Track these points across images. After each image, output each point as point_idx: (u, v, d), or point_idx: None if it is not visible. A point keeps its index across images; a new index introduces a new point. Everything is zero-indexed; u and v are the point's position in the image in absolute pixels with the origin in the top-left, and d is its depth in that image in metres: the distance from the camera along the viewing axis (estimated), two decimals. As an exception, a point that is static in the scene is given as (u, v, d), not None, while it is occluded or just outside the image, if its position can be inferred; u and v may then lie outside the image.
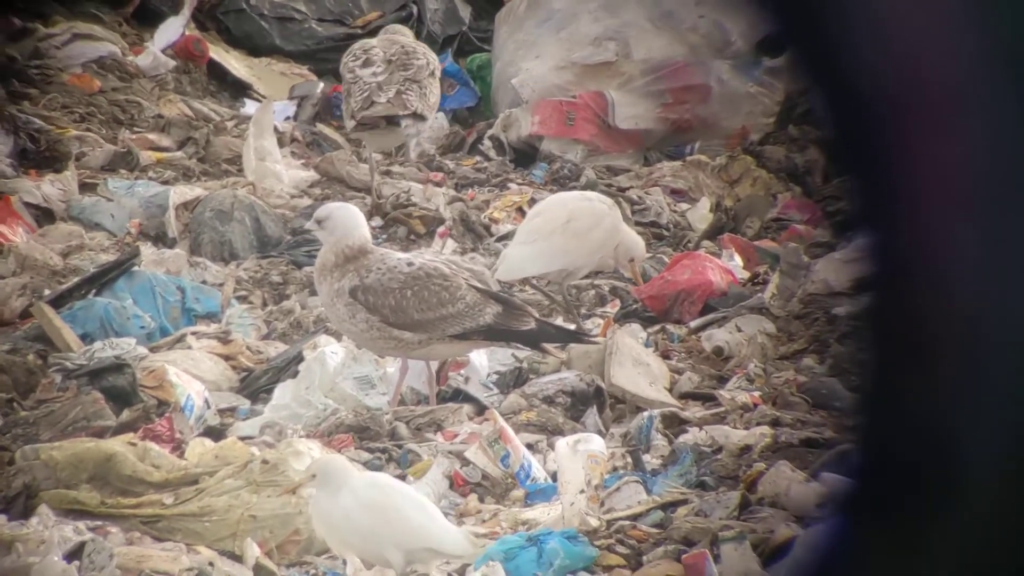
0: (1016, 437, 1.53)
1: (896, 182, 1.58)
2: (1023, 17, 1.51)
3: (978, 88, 1.51)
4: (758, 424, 5.34)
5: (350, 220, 5.60)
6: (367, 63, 7.82)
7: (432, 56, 8.05)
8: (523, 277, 6.58)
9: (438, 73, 7.99)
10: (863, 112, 1.57)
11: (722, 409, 5.58)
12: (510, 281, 6.50)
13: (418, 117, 7.73)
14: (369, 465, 5.09)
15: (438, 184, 8.58)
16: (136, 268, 6.83)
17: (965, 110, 1.52)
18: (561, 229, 6.41)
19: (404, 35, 8.20)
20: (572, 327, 6.45)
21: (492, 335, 5.58)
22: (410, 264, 5.61)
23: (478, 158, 9.07)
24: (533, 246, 6.41)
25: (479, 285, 5.66)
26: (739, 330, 6.36)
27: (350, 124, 7.89)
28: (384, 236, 8.02)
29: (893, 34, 1.54)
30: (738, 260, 7.47)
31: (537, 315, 5.72)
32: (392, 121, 7.73)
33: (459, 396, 5.80)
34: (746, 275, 7.28)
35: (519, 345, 5.76)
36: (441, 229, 7.94)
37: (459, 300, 5.54)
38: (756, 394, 5.71)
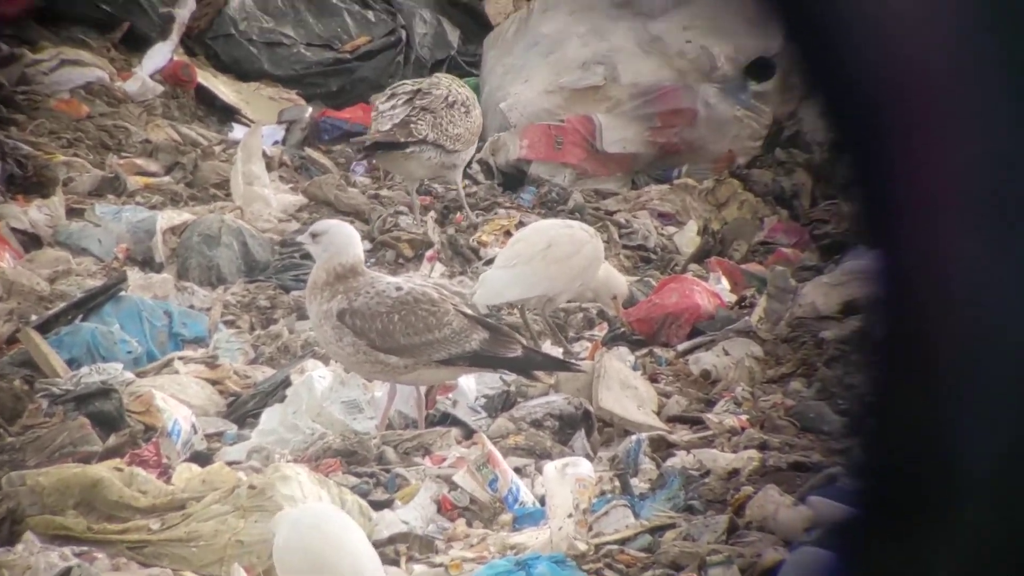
0: (1019, 456, 1.53)
1: (896, 195, 1.57)
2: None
3: (982, 96, 1.51)
4: (746, 448, 5.34)
5: (344, 238, 5.59)
6: (390, 97, 8.18)
7: (459, 90, 8.30)
8: (502, 302, 6.58)
9: (465, 106, 8.19)
10: (862, 121, 1.57)
11: (710, 433, 5.58)
12: (488, 305, 6.50)
13: (434, 145, 7.98)
14: (357, 489, 5.08)
15: (426, 208, 8.60)
16: (123, 293, 6.82)
17: (968, 118, 1.52)
18: (541, 255, 6.41)
19: (445, 78, 8.59)
20: (560, 351, 6.45)
21: (478, 361, 5.58)
22: (399, 288, 5.60)
23: (466, 182, 9.09)
24: (513, 271, 6.41)
25: (467, 311, 5.67)
26: (726, 353, 6.36)
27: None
28: (372, 260, 8.02)
29: (894, 39, 1.54)
30: (725, 283, 7.48)
31: (524, 342, 5.72)
32: (396, 147, 7.93)
33: (447, 420, 5.79)
34: (733, 298, 7.29)
35: (506, 372, 5.76)
36: (429, 253, 7.95)
37: (446, 326, 5.54)
38: (744, 417, 5.71)
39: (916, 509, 1.60)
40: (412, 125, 7.93)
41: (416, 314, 5.54)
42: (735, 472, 5.10)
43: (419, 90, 8.19)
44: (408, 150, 7.98)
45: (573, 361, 6.10)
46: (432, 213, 8.46)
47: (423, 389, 5.80)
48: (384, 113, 8.07)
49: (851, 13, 1.57)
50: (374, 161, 8.09)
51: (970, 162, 1.55)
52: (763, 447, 5.33)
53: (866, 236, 1.65)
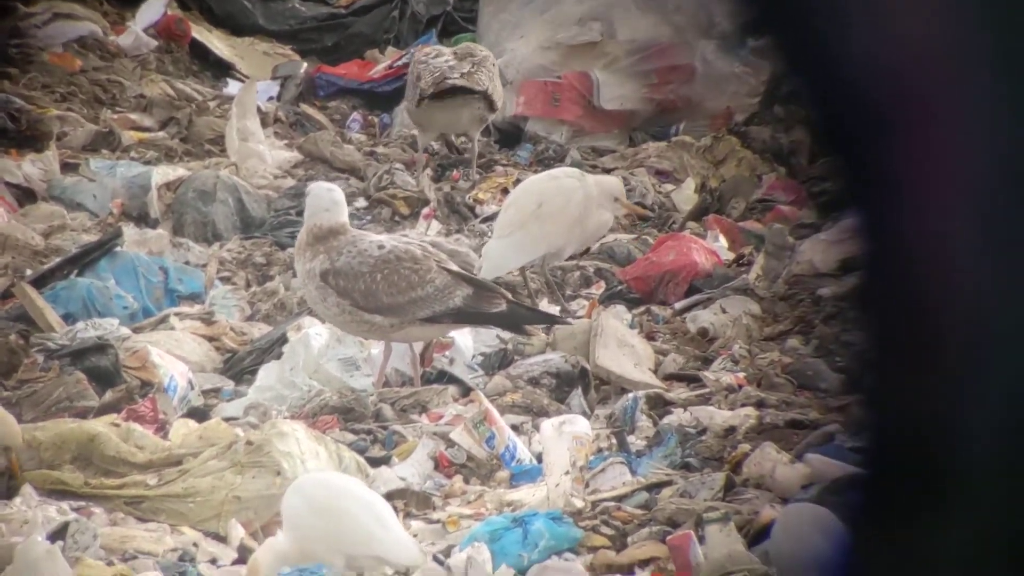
0: (1017, 429, 1.52)
1: (888, 161, 1.56)
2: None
3: (976, 66, 1.50)
4: (743, 405, 5.34)
5: (318, 201, 5.60)
6: (439, 55, 8.31)
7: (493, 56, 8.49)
8: (507, 271, 6.59)
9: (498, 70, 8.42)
10: (855, 90, 1.56)
11: (707, 390, 5.58)
12: (496, 276, 6.51)
13: (487, 99, 8.13)
14: (354, 446, 5.08)
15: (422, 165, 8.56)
16: (118, 248, 6.79)
17: (963, 89, 1.51)
18: (534, 215, 6.42)
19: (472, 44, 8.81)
20: (557, 309, 6.44)
21: (462, 318, 5.57)
22: (381, 247, 5.59)
23: (463, 139, 9.05)
24: (510, 238, 6.43)
25: (452, 267, 5.64)
26: (724, 311, 6.35)
27: (414, 107, 8.25)
28: (368, 217, 8.00)
29: (885, 13, 1.53)
30: (723, 241, 7.46)
31: (509, 296, 5.70)
32: (463, 95, 8.09)
33: (444, 378, 5.78)
34: (731, 256, 7.27)
35: (492, 327, 5.74)
36: (426, 211, 7.92)
37: (428, 283, 5.54)
38: (741, 375, 5.71)
39: (918, 473, 1.59)
40: (477, 75, 8.10)
41: (399, 273, 5.54)
42: (732, 429, 5.10)
43: (460, 50, 8.38)
44: (475, 97, 8.13)
45: (558, 315, 6.10)
46: (428, 170, 8.43)
47: (418, 347, 5.79)
48: (438, 65, 8.14)
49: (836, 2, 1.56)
50: (424, 106, 8.12)
51: (964, 131, 1.54)
52: (760, 404, 5.33)
53: (858, 202, 1.64)
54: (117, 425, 4.93)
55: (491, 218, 7.60)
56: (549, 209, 6.42)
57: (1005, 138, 1.55)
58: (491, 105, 8.21)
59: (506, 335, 6.03)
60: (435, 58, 8.25)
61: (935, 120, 1.56)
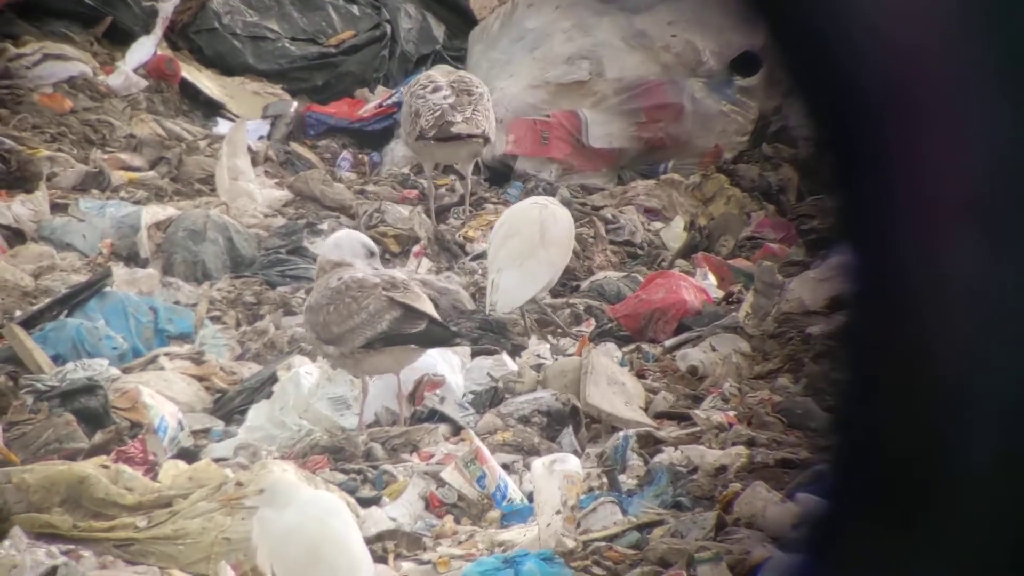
0: (1011, 452, 1.52)
1: (885, 189, 1.56)
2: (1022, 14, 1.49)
3: (975, 86, 1.50)
4: (733, 444, 5.33)
5: (328, 242, 6.00)
6: (436, 89, 8.21)
7: (484, 85, 8.47)
8: (524, 301, 6.67)
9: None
10: (852, 112, 1.56)
11: (697, 429, 5.57)
12: (514, 308, 6.63)
13: (486, 139, 8.18)
14: (344, 486, 5.06)
15: (413, 202, 8.58)
16: (108, 289, 6.78)
17: (962, 109, 1.51)
18: (541, 243, 6.54)
19: (451, 70, 8.76)
20: (558, 340, 6.53)
21: (389, 340, 5.62)
22: (339, 279, 5.69)
23: (452, 177, 9.07)
24: (522, 269, 6.53)
25: (394, 294, 5.67)
26: (714, 349, 6.36)
27: (412, 141, 8.25)
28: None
29: (883, 30, 1.53)
30: (712, 279, 7.47)
31: (435, 316, 5.74)
32: (464, 139, 8.09)
33: (435, 416, 5.77)
34: (720, 294, 7.28)
35: (418, 346, 5.71)
36: (416, 248, 7.93)
37: (363, 310, 5.61)
38: (731, 414, 5.71)
39: (903, 507, 1.59)
40: (476, 119, 8.11)
41: (343, 302, 5.66)
42: (723, 468, 5.09)
43: (456, 81, 8.30)
44: (475, 140, 8.15)
45: (460, 332, 6.09)
46: (419, 208, 8.44)
47: (408, 385, 5.80)
48: (437, 103, 8.11)
49: (837, 7, 1.56)
50: (428, 144, 8.14)
51: (960, 157, 1.54)
52: (751, 443, 5.32)
53: (851, 232, 1.64)
54: (107, 467, 4.91)
55: (481, 256, 7.61)
56: (553, 235, 6.59)
57: (1011, 174, 1.55)
58: (487, 141, 8.26)
59: (497, 373, 6.03)
60: (432, 92, 8.19)
61: (941, 141, 1.55)
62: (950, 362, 1.58)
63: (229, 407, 6.01)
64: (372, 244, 5.91)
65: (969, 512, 1.57)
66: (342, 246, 5.79)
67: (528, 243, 6.54)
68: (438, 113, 8.06)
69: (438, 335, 5.69)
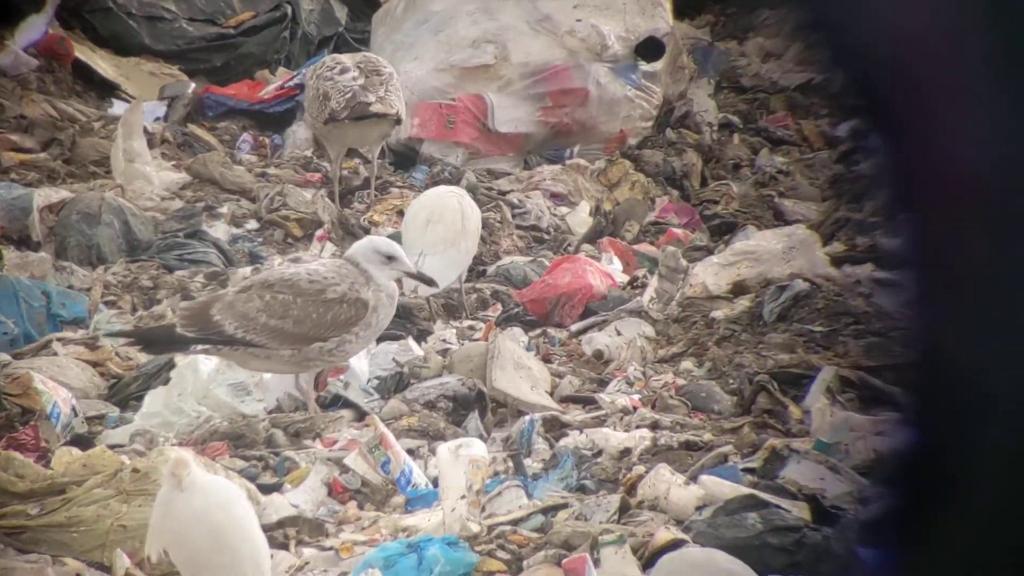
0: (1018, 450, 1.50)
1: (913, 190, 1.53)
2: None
3: (984, 86, 1.47)
4: (638, 427, 5.34)
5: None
6: (344, 71, 8.00)
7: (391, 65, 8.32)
8: (447, 288, 6.71)
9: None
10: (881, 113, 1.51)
11: (602, 412, 5.57)
12: (433, 294, 6.66)
13: (399, 120, 8.02)
14: (244, 473, 4.96)
15: (316, 185, 8.47)
16: (-2, 272, 6.60)
17: (972, 110, 1.48)
18: (463, 232, 6.59)
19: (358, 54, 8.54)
20: (465, 323, 6.48)
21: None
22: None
23: (357, 160, 8.96)
24: (445, 256, 6.56)
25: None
26: (619, 333, 6.37)
27: (320, 124, 8.01)
28: (260, 239, 7.87)
29: (894, 30, 1.50)
30: (617, 264, 7.49)
31: (172, 319, 5.69)
32: (378, 118, 7.90)
33: (339, 402, 5.69)
34: (625, 279, 7.30)
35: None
36: (319, 232, 7.82)
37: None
38: (636, 397, 5.72)
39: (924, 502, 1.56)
40: (389, 98, 7.92)
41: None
42: (627, 451, 5.09)
43: (362, 62, 8.11)
44: (387, 120, 7.95)
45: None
46: (323, 191, 8.33)
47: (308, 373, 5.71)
48: (347, 84, 7.91)
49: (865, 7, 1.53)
50: (339, 125, 7.91)
51: (980, 161, 1.52)
52: (655, 426, 5.34)
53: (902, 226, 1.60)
54: (-4, 454, 4.76)
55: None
56: (471, 224, 6.66)
57: None
58: (399, 122, 8.12)
59: (402, 358, 5.97)
60: (341, 74, 7.99)
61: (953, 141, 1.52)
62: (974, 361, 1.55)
63: (125, 393, 5.88)
64: (391, 247, 5.44)
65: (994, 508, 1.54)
66: (356, 253, 5.45)
67: (452, 231, 6.59)
68: (349, 94, 7.88)
69: (151, 336, 5.57)
